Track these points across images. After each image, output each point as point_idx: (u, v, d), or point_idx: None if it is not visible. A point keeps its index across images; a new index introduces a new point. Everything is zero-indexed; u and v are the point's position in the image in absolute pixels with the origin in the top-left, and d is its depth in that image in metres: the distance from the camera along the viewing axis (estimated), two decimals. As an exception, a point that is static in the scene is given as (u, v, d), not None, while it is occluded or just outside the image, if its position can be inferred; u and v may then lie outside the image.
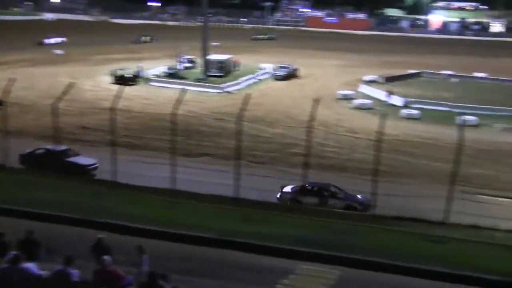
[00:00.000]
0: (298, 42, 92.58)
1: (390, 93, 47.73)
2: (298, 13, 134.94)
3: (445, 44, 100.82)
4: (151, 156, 28.49)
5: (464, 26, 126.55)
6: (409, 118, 41.75)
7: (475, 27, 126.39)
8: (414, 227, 20.85)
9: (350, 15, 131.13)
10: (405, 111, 42.89)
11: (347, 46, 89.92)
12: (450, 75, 62.73)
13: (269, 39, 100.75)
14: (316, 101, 23.39)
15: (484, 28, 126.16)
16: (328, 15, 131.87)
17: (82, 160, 26.73)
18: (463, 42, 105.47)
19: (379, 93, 49.27)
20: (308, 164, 22.92)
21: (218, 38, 76.30)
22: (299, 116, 36.40)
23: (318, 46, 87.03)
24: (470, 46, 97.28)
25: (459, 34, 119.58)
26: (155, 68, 58.34)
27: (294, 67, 60.44)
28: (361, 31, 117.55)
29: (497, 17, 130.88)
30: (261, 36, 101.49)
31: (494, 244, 19.33)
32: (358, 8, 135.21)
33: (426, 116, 41.85)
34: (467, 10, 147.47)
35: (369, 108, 44.45)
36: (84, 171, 26.13)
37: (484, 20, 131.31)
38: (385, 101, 46.97)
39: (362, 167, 26.95)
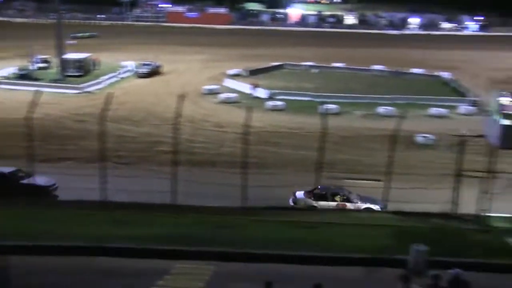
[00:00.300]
0: (158, 38, 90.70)
1: (255, 86, 48.47)
2: (158, 8, 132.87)
3: (305, 36, 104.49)
4: (3, 164, 25.50)
5: (321, 19, 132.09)
6: (274, 109, 42.65)
7: (331, 19, 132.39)
8: (285, 216, 21.19)
9: (211, 10, 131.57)
10: (270, 103, 43.73)
11: (210, 40, 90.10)
12: (310, 66, 65.01)
13: (90, 36, 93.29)
14: (181, 97, 22.99)
15: (339, 21, 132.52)
16: (189, 10, 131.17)
17: (40, 180, 23.62)
18: (320, 34, 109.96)
19: (244, 87, 49.84)
20: (176, 162, 22.44)
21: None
22: (165, 113, 35.73)
23: (180, 42, 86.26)
24: (327, 38, 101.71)
25: (316, 27, 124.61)
26: (3, 69, 54.29)
27: (157, 63, 59.35)
28: (222, 26, 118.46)
29: (349, 10, 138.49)
30: (81, 34, 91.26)
31: (360, 225, 20.21)
32: (219, 3, 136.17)
33: (291, 107, 43.04)
34: (323, 3, 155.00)
35: (235, 102, 44.78)
36: (45, 193, 23.27)
37: (339, 13, 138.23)
38: (250, 94, 47.63)
39: (231, 160, 26.95)
